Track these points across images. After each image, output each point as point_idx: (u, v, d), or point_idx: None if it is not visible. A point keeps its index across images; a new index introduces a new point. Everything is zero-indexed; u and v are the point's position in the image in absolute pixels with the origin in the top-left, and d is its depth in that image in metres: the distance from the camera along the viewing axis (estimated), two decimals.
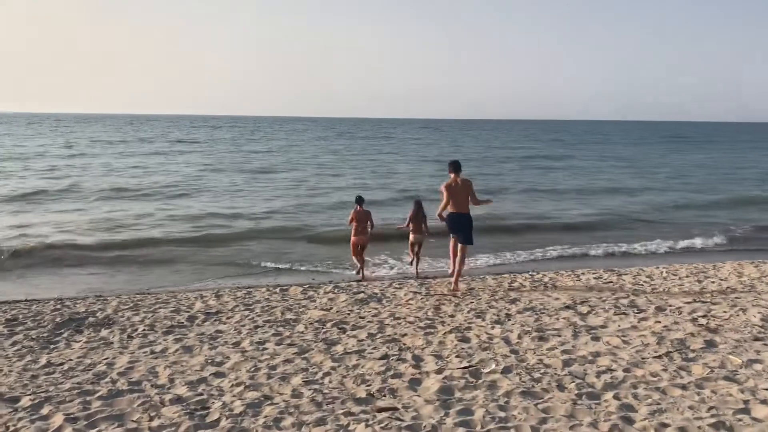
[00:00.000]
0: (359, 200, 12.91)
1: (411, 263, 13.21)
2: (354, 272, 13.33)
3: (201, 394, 6.00)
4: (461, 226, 10.46)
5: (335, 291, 10.92)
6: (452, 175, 10.52)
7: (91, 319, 9.16)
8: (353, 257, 13.05)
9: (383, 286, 11.31)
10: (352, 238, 12.80)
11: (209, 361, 7.05)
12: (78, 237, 17.42)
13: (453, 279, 10.82)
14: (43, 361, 7.16)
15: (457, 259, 10.70)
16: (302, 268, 14.31)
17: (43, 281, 13.32)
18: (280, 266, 14.41)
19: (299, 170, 39.03)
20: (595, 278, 11.85)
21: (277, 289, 11.25)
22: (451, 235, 10.84)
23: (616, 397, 5.75)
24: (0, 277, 13.50)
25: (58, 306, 10.12)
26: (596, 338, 7.65)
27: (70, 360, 7.19)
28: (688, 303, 9.48)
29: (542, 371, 6.46)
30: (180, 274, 13.91)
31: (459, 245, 10.65)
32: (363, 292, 10.72)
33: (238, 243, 17.19)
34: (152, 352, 7.43)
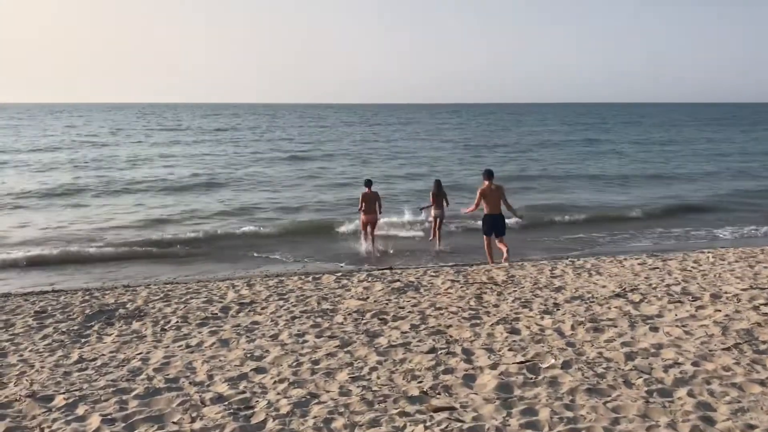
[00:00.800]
0: (368, 183, 14.21)
1: (432, 237, 14.68)
2: (363, 249, 14.37)
3: (243, 392, 5.65)
4: (496, 226, 11.83)
5: (369, 279, 10.54)
6: (486, 182, 11.71)
7: (121, 310, 8.87)
8: (362, 234, 14.37)
9: (418, 275, 10.91)
10: (362, 217, 14.10)
11: (248, 355, 6.70)
12: (99, 232, 16.97)
13: (507, 260, 11.80)
14: (74, 356, 6.86)
15: (501, 247, 11.92)
16: (333, 259, 13.97)
17: (67, 269, 13.11)
18: (307, 258, 14.01)
19: (332, 159, 37.73)
20: (639, 264, 11.35)
21: (310, 278, 10.90)
22: (485, 236, 12.03)
23: (690, 394, 5.32)
24: (26, 269, 13.25)
25: (87, 297, 9.85)
26: (654, 329, 7.20)
27: (103, 355, 6.88)
28: (745, 290, 8.98)
29: (604, 366, 6.03)
30: (208, 266, 13.62)
31: (496, 238, 11.94)
32: (399, 280, 10.32)
33: (264, 238, 16.52)
34: (188, 346, 7.10)
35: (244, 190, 25.35)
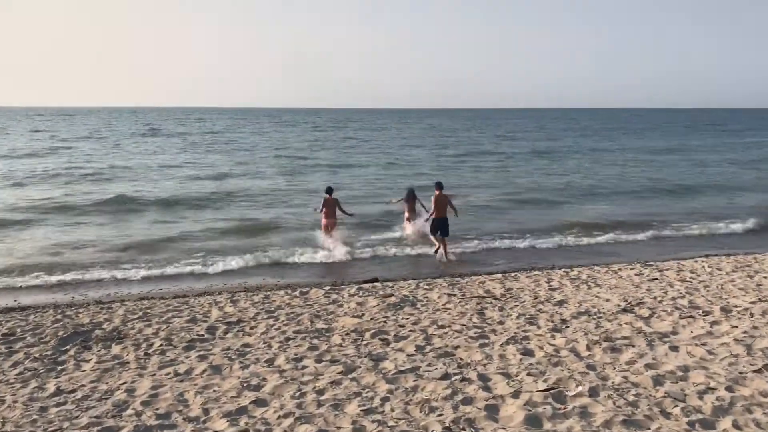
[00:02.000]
0: (329, 190, 15.49)
1: (407, 227, 16.21)
2: (324, 250, 14.66)
3: (246, 430, 5.09)
4: (443, 226, 14.19)
5: (361, 294, 10.03)
6: (437, 192, 14.28)
7: (98, 331, 8.20)
8: (323, 235, 15.14)
9: (411, 288, 10.44)
10: (323, 221, 15.26)
11: (245, 384, 6.13)
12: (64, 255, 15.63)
13: (447, 257, 14.04)
14: (51, 387, 6.20)
15: (443, 246, 14.13)
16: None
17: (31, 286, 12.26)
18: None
19: (335, 171, 33.87)
20: (636, 275, 11.04)
21: (297, 292, 10.35)
22: (431, 235, 14.43)
23: (735, 425, 4.93)
24: None
25: (59, 316, 9.14)
26: (674, 348, 6.83)
27: (83, 386, 6.24)
28: (754, 303, 8.69)
29: (634, 392, 5.61)
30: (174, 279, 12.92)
31: (442, 237, 14.16)
32: (393, 295, 9.82)
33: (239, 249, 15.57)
34: (176, 374, 6.50)
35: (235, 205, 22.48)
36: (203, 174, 31.67)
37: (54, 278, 12.51)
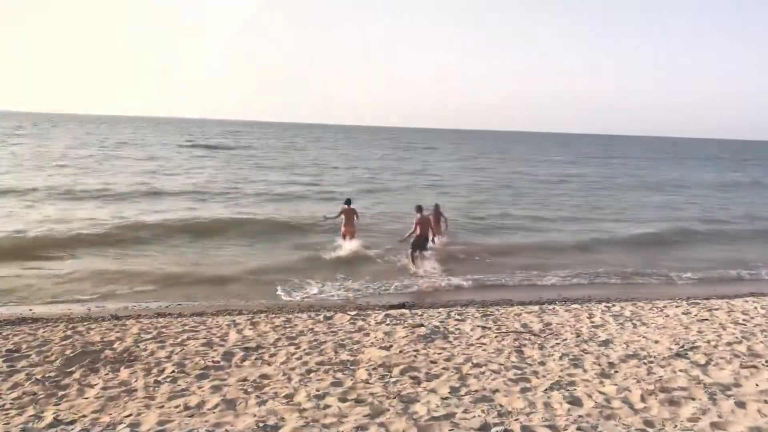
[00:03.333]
0: (348, 201, 16.82)
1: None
2: (342, 252, 15.98)
3: None
4: (422, 245, 15.30)
5: (389, 322, 9.40)
6: (419, 214, 15.29)
7: (108, 351, 7.67)
8: (342, 240, 16.50)
9: (441, 317, 9.78)
10: (342, 228, 16.67)
11: (260, 424, 5.51)
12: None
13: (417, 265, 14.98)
14: (48, 417, 5.64)
15: (421, 260, 15.19)
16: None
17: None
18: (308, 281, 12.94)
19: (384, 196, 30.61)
20: (684, 314, 10.27)
21: (321, 317, 9.76)
22: (411, 250, 15.19)
23: None
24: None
25: (69, 332, 8.65)
26: (741, 404, 6.09)
27: (83, 416, 5.67)
28: None
29: None
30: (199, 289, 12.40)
31: (420, 253, 15.26)
32: (422, 325, 9.17)
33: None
34: (186, 407, 5.91)
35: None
36: (254, 192, 29.81)
37: (74, 292, 12.13)
